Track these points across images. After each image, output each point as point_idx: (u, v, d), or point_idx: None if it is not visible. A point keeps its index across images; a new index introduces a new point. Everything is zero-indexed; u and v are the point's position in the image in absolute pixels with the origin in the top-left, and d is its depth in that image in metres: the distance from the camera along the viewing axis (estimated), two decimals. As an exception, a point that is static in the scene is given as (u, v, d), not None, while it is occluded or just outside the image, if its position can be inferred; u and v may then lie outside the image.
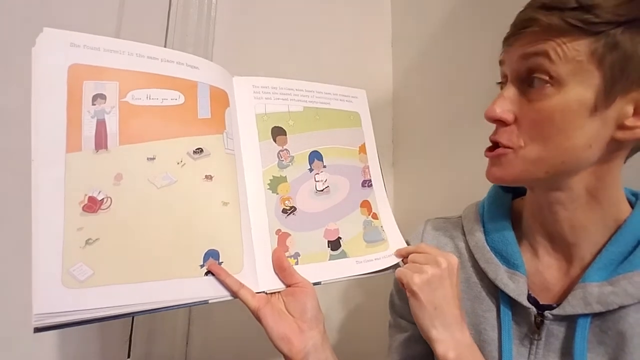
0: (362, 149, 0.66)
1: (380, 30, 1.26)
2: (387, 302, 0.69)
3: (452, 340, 0.49)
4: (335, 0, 1.18)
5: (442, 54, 1.03)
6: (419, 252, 0.56)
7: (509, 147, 0.49)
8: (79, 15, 0.85)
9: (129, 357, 0.85)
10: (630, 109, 0.44)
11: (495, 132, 0.51)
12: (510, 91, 0.49)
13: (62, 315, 0.41)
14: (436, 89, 1.05)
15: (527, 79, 0.47)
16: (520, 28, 0.47)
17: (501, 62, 0.52)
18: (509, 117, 0.48)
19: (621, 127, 0.45)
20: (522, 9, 0.48)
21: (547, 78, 0.45)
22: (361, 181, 0.64)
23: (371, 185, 0.65)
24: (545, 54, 0.44)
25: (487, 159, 0.53)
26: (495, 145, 0.51)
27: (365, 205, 0.63)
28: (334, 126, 0.64)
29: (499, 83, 0.53)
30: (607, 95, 0.43)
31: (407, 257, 0.57)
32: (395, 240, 0.63)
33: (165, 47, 0.94)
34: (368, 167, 0.65)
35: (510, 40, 0.49)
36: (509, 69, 0.50)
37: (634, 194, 0.52)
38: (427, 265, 0.52)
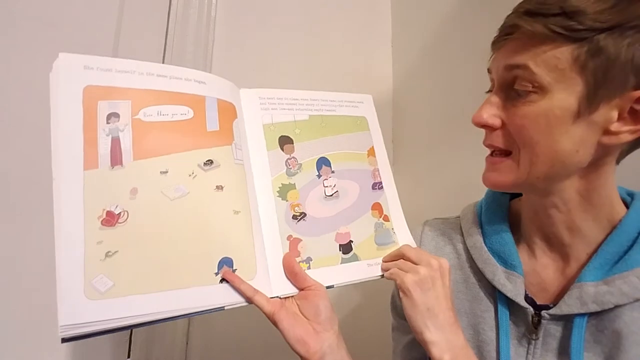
0: (371, 152, 0.67)
1: (380, 31, 1.25)
2: (387, 304, 0.70)
3: (446, 343, 0.50)
4: (335, 1, 1.18)
5: (442, 55, 1.03)
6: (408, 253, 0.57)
7: (506, 150, 0.51)
8: (79, 16, 0.86)
9: (128, 357, 0.86)
10: (614, 115, 0.45)
11: (486, 137, 0.52)
12: (497, 97, 0.51)
13: (85, 326, 0.43)
14: (436, 89, 1.05)
15: (512, 87, 0.48)
16: (505, 34, 0.48)
17: (489, 70, 0.53)
18: (496, 122, 0.50)
19: (607, 132, 0.45)
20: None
21: (530, 87, 0.46)
22: (371, 184, 0.65)
23: (382, 187, 0.66)
24: (526, 67, 0.46)
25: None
26: (493, 150, 0.52)
27: (377, 207, 0.64)
28: (341, 132, 0.65)
29: (488, 92, 0.54)
30: (591, 101, 0.44)
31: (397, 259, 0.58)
32: (406, 242, 0.64)
33: (165, 47, 0.95)
34: (378, 170, 0.66)
35: (496, 45, 0.51)
36: (496, 76, 0.51)
37: (630, 194, 0.53)
38: (420, 265, 0.53)
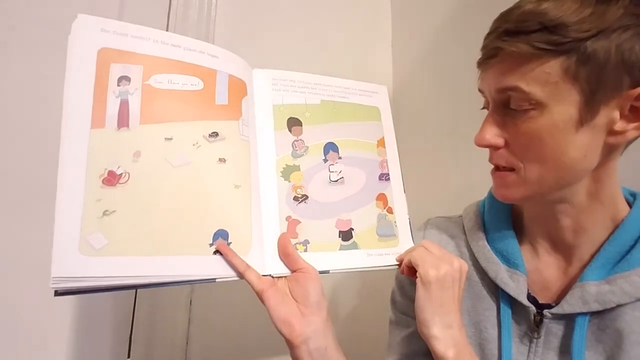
0: (381, 142, 0.66)
1: (380, 30, 1.26)
2: (384, 302, 0.69)
3: (451, 339, 0.49)
4: (335, 1, 1.19)
5: (442, 54, 1.03)
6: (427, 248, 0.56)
7: (510, 169, 0.50)
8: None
9: (128, 357, 0.86)
10: (616, 114, 0.44)
11: (491, 156, 0.52)
12: (496, 116, 0.50)
13: (76, 280, 0.43)
14: (436, 89, 1.05)
15: (508, 106, 0.48)
16: (488, 57, 0.48)
17: (480, 90, 0.53)
18: (499, 141, 0.49)
19: (611, 132, 0.45)
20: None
21: (527, 105, 0.46)
22: (378, 174, 0.65)
23: (389, 179, 0.65)
24: (517, 88, 0.45)
25: (489, 166, 0.53)
26: (498, 165, 0.52)
27: (381, 198, 0.64)
28: (352, 119, 0.65)
29: (483, 108, 0.54)
30: (590, 107, 0.44)
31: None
32: (405, 238, 0.63)
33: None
34: (386, 161, 0.66)
35: (482, 66, 0.50)
36: (489, 96, 0.51)
37: (632, 194, 0.53)
38: (442, 262, 0.52)
